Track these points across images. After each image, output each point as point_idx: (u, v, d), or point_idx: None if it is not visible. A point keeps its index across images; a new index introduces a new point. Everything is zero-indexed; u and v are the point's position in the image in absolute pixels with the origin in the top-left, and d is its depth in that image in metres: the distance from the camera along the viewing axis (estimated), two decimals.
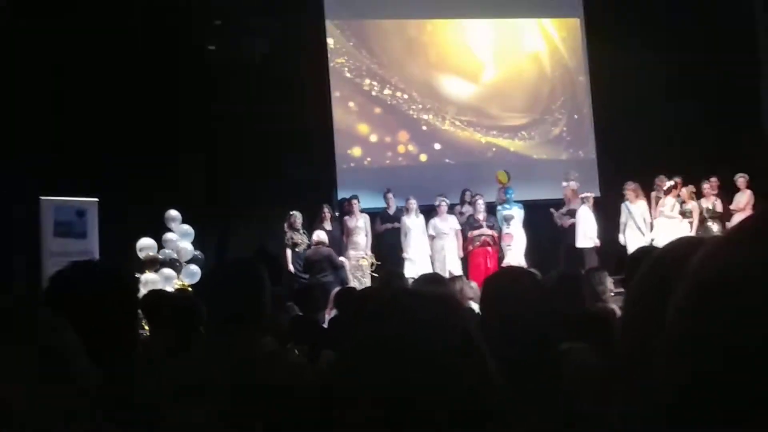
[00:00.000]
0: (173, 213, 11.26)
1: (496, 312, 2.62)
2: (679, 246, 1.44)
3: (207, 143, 12.35)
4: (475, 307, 6.90)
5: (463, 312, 1.42)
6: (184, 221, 11.35)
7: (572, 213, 12.75)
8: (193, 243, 11.37)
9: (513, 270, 4.76)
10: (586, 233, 12.63)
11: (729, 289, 0.64)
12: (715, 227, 12.44)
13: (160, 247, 11.03)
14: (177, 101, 12.13)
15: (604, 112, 14.81)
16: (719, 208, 12.74)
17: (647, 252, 4.32)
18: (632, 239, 12.43)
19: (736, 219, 11.54)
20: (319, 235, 11.70)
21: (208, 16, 11.98)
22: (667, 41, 14.18)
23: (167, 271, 10.75)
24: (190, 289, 10.47)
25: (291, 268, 11.78)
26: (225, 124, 12.55)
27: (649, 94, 14.06)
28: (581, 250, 12.58)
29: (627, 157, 13.86)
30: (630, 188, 12.87)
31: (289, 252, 11.91)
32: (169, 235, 11.15)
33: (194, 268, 11.12)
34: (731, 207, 12.68)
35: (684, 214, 12.57)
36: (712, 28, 14.55)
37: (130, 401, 1.90)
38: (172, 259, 10.96)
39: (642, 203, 12.78)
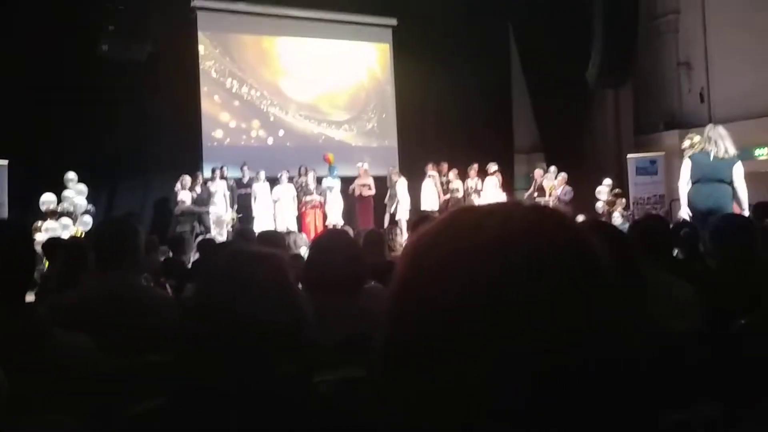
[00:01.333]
0: (71, 174, 10.58)
1: (322, 259, 2.63)
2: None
3: (103, 123, 11.65)
4: (305, 252, 6.94)
5: (280, 266, 1.45)
6: (80, 181, 10.69)
7: (368, 186, 12.89)
8: (87, 198, 10.73)
9: (334, 230, 4.78)
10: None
11: (423, 259, 0.66)
12: (477, 200, 13.01)
13: (60, 201, 10.33)
14: (79, 87, 11.36)
15: (404, 113, 15.06)
16: (480, 186, 13.30)
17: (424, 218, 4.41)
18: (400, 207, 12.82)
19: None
20: (184, 196, 11.45)
21: (105, 22, 11.08)
22: (450, 64, 14.61)
23: (65, 220, 10.08)
24: (83, 235, 9.91)
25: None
26: (119, 107, 11.87)
27: (435, 101, 14.46)
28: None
29: (418, 146, 14.18)
30: (393, 171, 13.22)
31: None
32: (67, 192, 10.46)
33: (87, 218, 10.51)
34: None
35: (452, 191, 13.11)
36: (482, 54, 15.14)
37: (21, 327, 1.77)
38: (69, 211, 10.29)
39: (403, 180, 12.98)
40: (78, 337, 1.89)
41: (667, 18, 14.99)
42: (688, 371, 2.16)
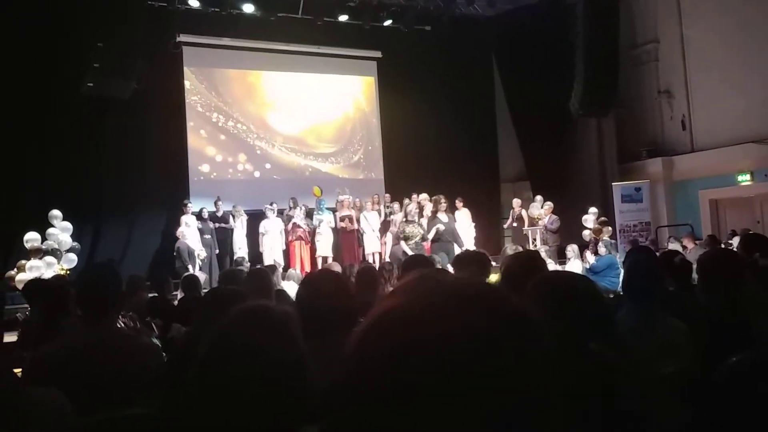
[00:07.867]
0: (56, 212, 10.43)
1: (312, 301, 2.57)
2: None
3: (88, 160, 11.58)
4: (292, 288, 6.82)
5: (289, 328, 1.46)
6: (64, 219, 10.55)
7: (349, 218, 12.57)
8: (72, 236, 10.59)
9: (324, 270, 4.70)
10: None
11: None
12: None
13: (44, 239, 10.19)
14: (63, 124, 11.28)
15: (390, 144, 15.11)
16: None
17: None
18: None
19: None
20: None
21: (90, 59, 10.98)
22: (435, 95, 14.73)
23: (49, 258, 9.93)
24: (68, 272, 9.78)
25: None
26: (104, 144, 11.83)
27: (421, 132, 14.53)
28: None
29: (405, 178, 14.14)
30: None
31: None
32: (51, 230, 10.33)
33: (72, 256, 10.37)
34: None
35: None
36: (467, 85, 15.29)
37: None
38: (53, 248, 10.14)
39: (374, 213, 12.78)
40: (50, 394, 1.82)
41: (646, 47, 15.19)
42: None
